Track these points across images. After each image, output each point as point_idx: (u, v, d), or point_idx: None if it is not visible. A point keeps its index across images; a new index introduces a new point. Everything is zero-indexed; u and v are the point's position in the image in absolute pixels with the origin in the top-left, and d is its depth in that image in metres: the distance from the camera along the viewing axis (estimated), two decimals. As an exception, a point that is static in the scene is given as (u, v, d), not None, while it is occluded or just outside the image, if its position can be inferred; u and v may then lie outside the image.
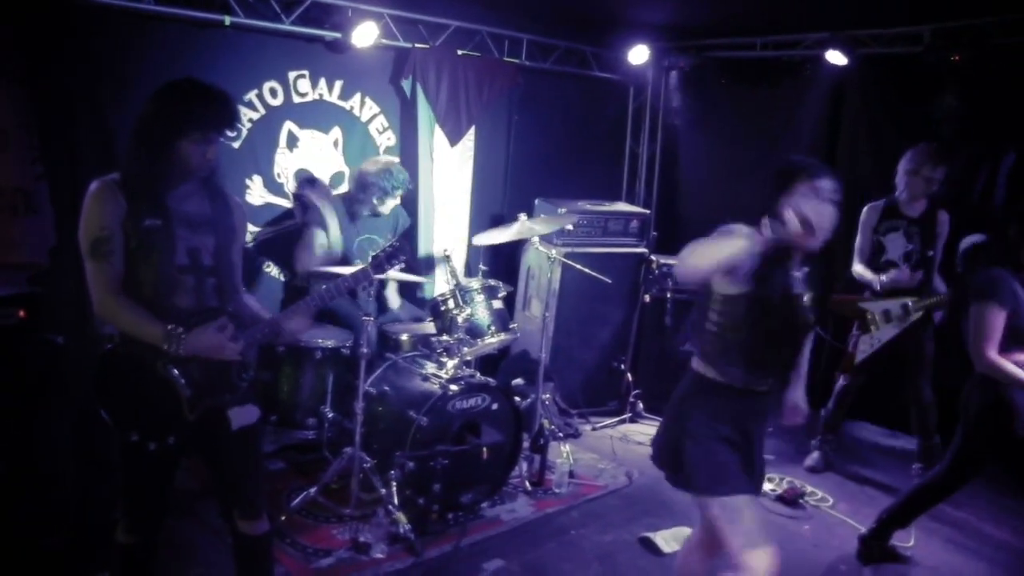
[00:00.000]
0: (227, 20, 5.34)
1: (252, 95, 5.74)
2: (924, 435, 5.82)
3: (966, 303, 4.01)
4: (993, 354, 3.81)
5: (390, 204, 5.65)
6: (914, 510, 4.56)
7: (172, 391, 2.96)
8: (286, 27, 5.63)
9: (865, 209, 5.78)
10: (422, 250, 6.64)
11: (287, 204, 6.02)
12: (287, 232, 5.85)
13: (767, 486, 5.40)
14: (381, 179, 5.54)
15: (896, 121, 6.64)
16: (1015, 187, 6.09)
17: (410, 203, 6.36)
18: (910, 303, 5.45)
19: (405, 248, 3.69)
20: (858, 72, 6.71)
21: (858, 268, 5.72)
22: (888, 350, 5.58)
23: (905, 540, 4.85)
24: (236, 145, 5.71)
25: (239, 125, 5.33)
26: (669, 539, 4.74)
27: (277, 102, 5.88)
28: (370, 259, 3.64)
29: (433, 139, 6.65)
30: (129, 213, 2.89)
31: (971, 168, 6.34)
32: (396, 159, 6.09)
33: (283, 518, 4.50)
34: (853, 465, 6.13)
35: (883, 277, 5.54)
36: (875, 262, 5.71)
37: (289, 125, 5.99)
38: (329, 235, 5.37)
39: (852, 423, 6.40)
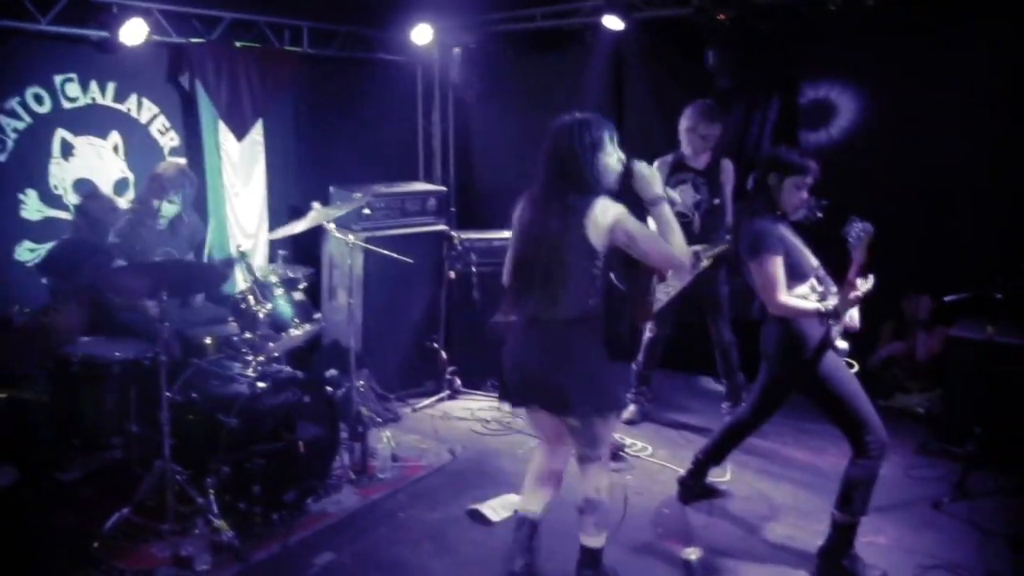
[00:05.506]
0: (-30, 22, 5.02)
1: (14, 103, 5.45)
2: (728, 375, 6.15)
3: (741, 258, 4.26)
4: (783, 297, 4.05)
5: (167, 209, 5.49)
6: (726, 447, 4.83)
7: None
8: (43, 27, 5.33)
9: (655, 164, 5.98)
10: (218, 250, 6.47)
11: (69, 216, 5.73)
12: (73, 249, 5.56)
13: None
14: (173, 179, 5.42)
15: (678, 78, 6.92)
16: (778, 135, 6.51)
17: (200, 205, 6.17)
18: (700, 251, 5.69)
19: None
20: (637, 35, 6.94)
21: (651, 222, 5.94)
22: (685, 298, 5.82)
23: (721, 475, 5.16)
24: (2, 158, 5.40)
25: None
26: (497, 508, 4.82)
27: (44, 109, 5.59)
28: None
29: (219, 135, 6.48)
30: None
31: (746, 118, 6.71)
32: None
33: (96, 544, 4.26)
34: (668, 413, 6.40)
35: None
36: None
37: (61, 132, 5.72)
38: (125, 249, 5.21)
39: (663, 373, 6.65)
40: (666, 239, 3.57)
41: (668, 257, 3.57)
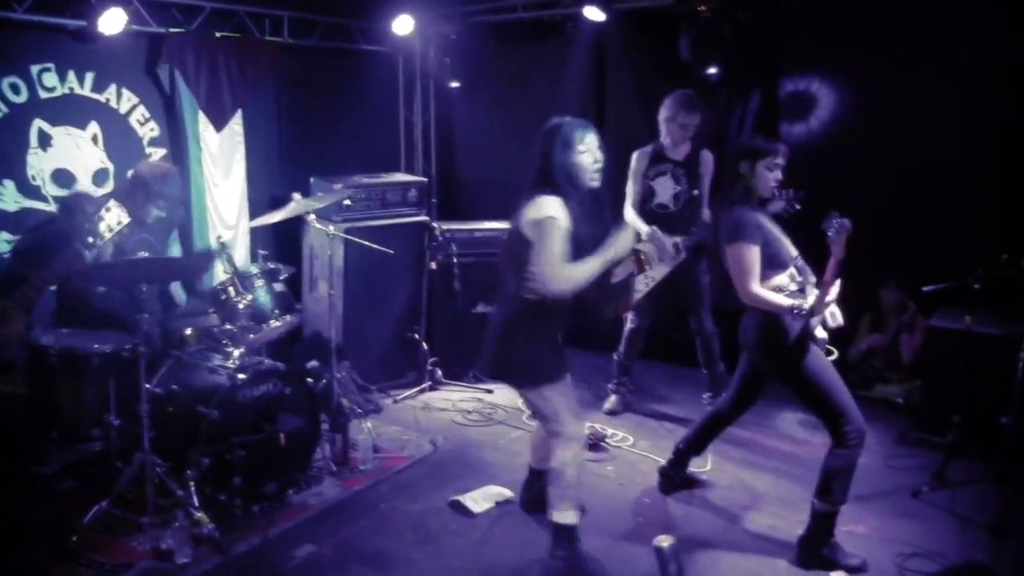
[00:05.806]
0: (-55, 12, 4.96)
1: (-10, 93, 5.38)
2: (709, 365, 6.16)
3: (720, 247, 4.27)
4: (755, 287, 4.05)
5: (155, 213, 5.45)
6: (707, 437, 4.86)
7: None
8: (19, 16, 5.26)
9: (635, 155, 5.98)
10: (198, 242, 6.42)
11: (47, 207, 5.67)
12: (51, 239, 5.49)
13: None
14: (160, 183, 5.38)
15: (660, 69, 6.91)
16: (759, 127, 6.51)
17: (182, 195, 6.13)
18: (678, 242, 5.68)
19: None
20: (618, 26, 6.95)
21: (629, 214, 5.93)
22: (666, 288, 5.82)
23: (702, 465, 5.21)
24: (-22, 148, 5.34)
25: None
26: (479, 499, 4.84)
27: (21, 99, 5.52)
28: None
29: (199, 126, 6.43)
30: None
31: (727, 110, 6.72)
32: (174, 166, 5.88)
33: (75, 538, 4.23)
34: (649, 403, 6.43)
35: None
36: (646, 206, 5.95)
37: (39, 123, 5.64)
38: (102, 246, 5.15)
39: (644, 363, 6.67)
40: (570, 269, 3.75)
41: (549, 280, 3.71)
